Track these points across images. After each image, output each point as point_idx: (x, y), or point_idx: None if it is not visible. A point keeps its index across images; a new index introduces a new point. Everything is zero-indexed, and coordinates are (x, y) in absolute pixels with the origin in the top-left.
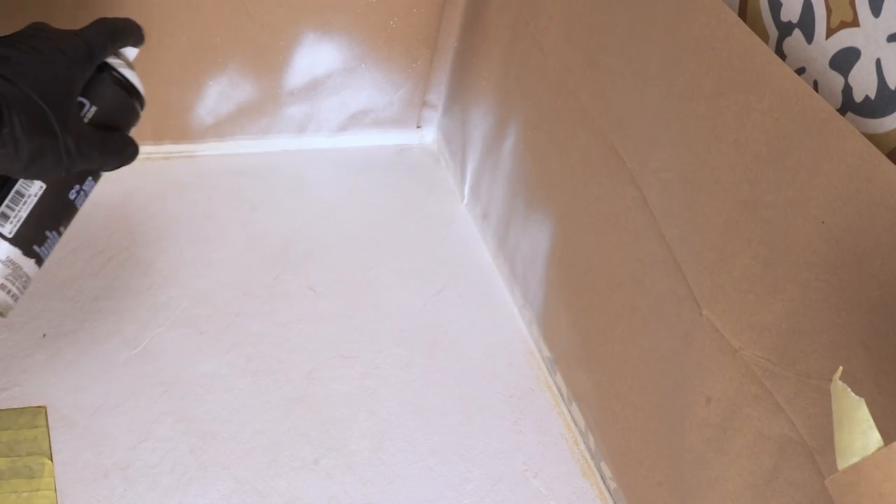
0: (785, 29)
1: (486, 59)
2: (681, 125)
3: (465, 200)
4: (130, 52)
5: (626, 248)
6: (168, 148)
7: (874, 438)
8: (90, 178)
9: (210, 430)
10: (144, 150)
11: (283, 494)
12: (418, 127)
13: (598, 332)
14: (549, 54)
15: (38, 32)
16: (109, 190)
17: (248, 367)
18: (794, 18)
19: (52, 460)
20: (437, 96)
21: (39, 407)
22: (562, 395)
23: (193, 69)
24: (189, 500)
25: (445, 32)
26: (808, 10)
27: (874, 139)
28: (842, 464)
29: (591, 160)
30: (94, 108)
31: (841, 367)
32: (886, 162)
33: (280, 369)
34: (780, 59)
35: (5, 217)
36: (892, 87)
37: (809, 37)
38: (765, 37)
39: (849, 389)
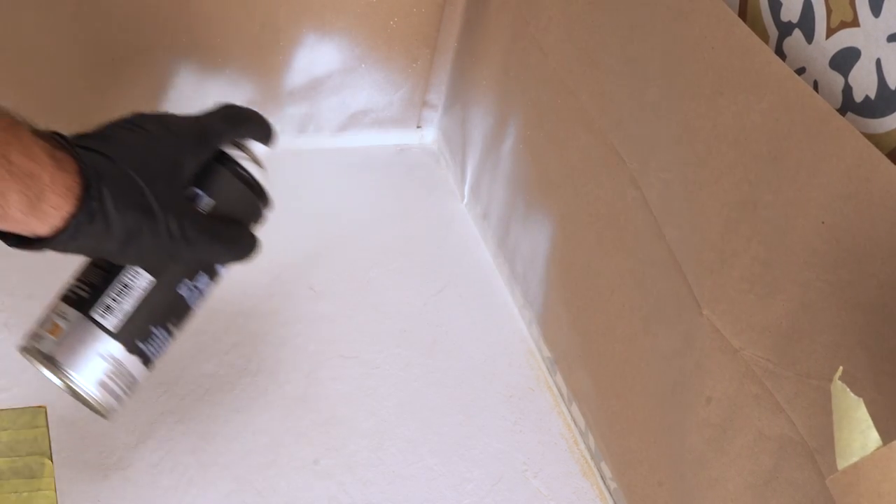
0: (785, 29)
1: (486, 58)
2: (681, 125)
3: (466, 200)
4: (261, 150)
5: (626, 248)
6: None
7: (873, 438)
8: (204, 273)
9: (210, 430)
10: None
11: (283, 494)
12: (418, 127)
13: (598, 332)
14: (548, 54)
15: (148, 114)
16: None
17: (248, 367)
18: (794, 18)
19: (52, 460)
20: (438, 96)
21: (39, 407)
22: (562, 395)
23: (194, 69)
24: (189, 500)
25: (445, 32)
26: (808, 9)
27: (874, 139)
28: (842, 463)
29: (591, 160)
30: (208, 200)
31: (841, 367)
32: (886, 162)
33: (280, 369)
34: (780, 59)
35: (109, 309)
36: (893, 87)
37: (809, 37)
38: (765, 37)
39: (848, 389)
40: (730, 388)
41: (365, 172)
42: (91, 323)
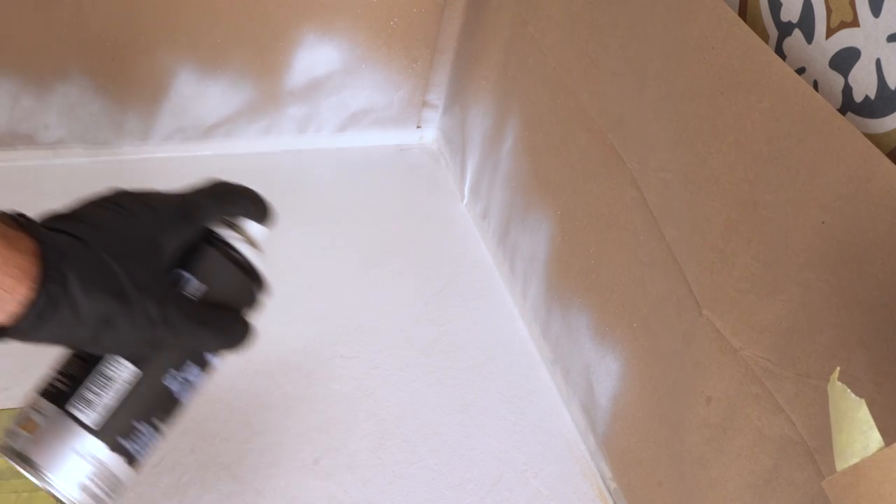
0: (785, 29)
1: (486, 59)
2: (681, 125)
3: (465, 200)
4: (256, 230)
5: (626, 248)
6: (168, 148)
7: (874, 439)
8: (193, 364)
9: (210, 430)
10: (145, 150)
11: (283, 494)
12: (418, 127)
13: (598, 332)
14: (548, 54)
15: (127, 191)
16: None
17: (247, 367)
18: (794, 18)
19: None
20: (437, 96)
21: None
22: (561, 394)
23: (194, 70)
24: (189, 500)
25: (445, 33)
26: (808, 10)
27: (874, 139)
28: (840, 465)
29: (590, 160)
30: (197, 283)
31: (838, 368)
32: (887, 162)
33: (280, 369)
34: (780, 59)
35: (88, 403)
36: (892, 87)
37: (809, 37)
38: (765, 37)
39: (848, 390)
40: (729, 388)
41: (365, 172)
42: (69, 418)
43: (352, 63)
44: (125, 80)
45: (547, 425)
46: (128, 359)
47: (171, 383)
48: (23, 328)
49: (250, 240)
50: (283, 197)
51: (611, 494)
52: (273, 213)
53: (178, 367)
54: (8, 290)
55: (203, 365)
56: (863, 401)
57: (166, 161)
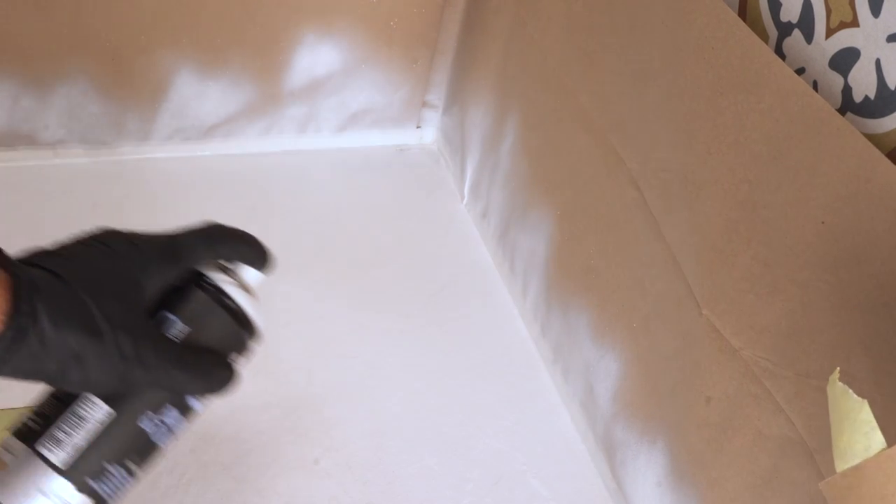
0: (784, 29)
1: (486, 59)
2: (681, 125)
3: (465, 200)
4: (251, 276)
5: (626, 248)
6: (168, 148)
7: (877, 440)
8: (172, 407)
9: (210, 430)
10: (145, 151)
11: (283, 494)
12: (418, 127)
13: (598, 332)
14: (547, 54)
15: (115, 230)
16: (108, 190)
17: (248, 368)
18: (794, 18)
19: None
20: (437, 96)
21: None
22: (561, 394)
23: (194, 70)
24: (189, 500)
25: (445, 33)
26: (807, 10)
27: (874, 139)
28: (841, 466)
29: (590, 160)
30: (181, 326)
31: (839, 368)
32: (886, 162)
33: (280, 369)
34: (779, 59)
35: (58, 442)
36: (892, 88)
37: (809, 37)
38: (764, 37)
39: (850, 391)
40: (729, 388)
41: (365, 172)
42: (37, 457)
43: (352, 63)
44: (125, 80)
45: (547, 425)
46: (103, 399)
47: (147, 426)
48: None
49: (243, 284)
50: (283, 197)
51: (611, 494)
52: (271, 258)
53: (156, 409)
54: None
55: (184, 409)
56: (865, 401)
57: (166, 161)
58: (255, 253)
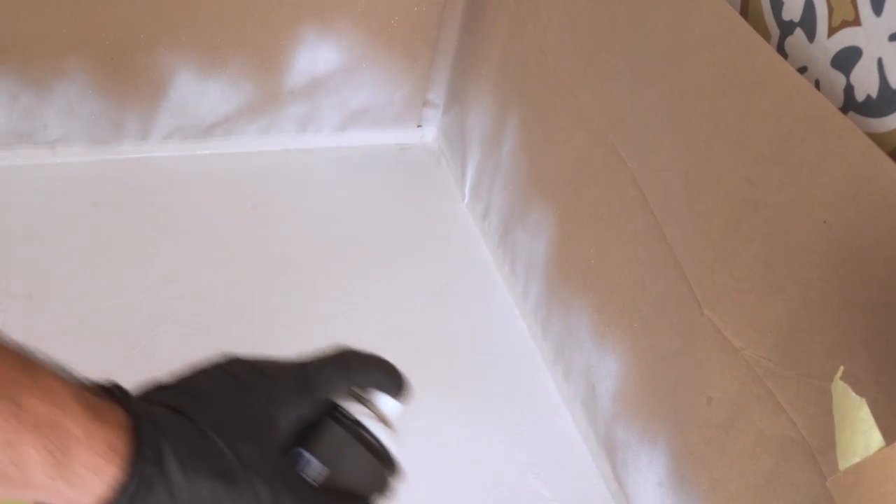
0: (786, 28)
1: (486, 58)
2: (682, 124)
3: (466, 199)
4: (389, 406)
5: (627, 248)
6: (168, 147)
7: (875, 438)
8: None
9: None
10: (145, 149)
11: None
12: (419, 126)
13: (599, 332)
14: (547, 53)
15: (240, 358)
16: (108, 189)
17: None
18: (796, 17)
19: None
20: (438, 95)
21: None
22: (562, 394)
23: (194, 68)
24: None
25: (446, 32)
26: (809, 9)
27: (876, 138)
28: (843, 464)
29: (590, 159)
30: (318, 465)
31: (842, 367)
32: (888, 161)
33: None
34: (781, 59)
35: None
36: (894, 87)
37: (811, 36)
38: (766, 36)
39: (850, 390)
40: (731, 388)
41: (365, 171)
42: None
43: (352, 62)
44: (125, 79)
45: (548, 425)
46: None
47: None
48: None
49: (381, 416)
50: (283, 196)
51: (612, 495)
52: (408, 385)
53: None
54: (94, 471)
55: None
56: (864, 400)
57: (166, 160)
58: (391, 380)
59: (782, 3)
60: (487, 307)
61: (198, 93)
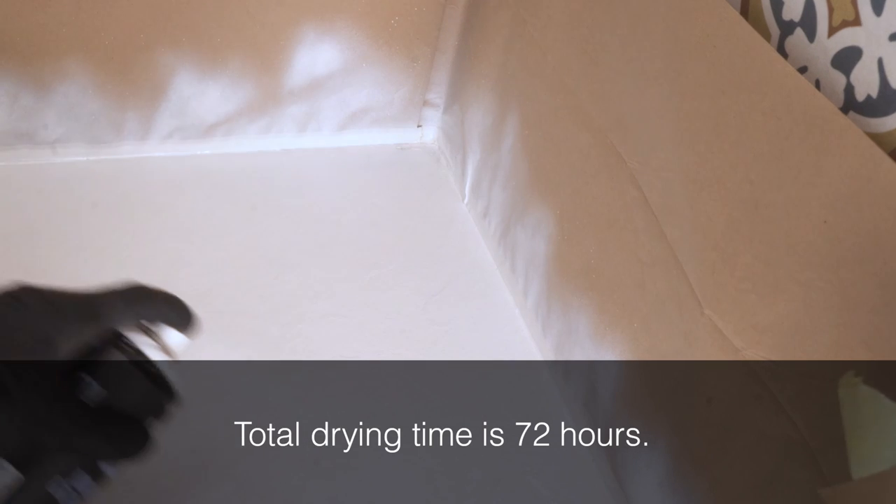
0: (787, 28)
1: (486, 57)
2: (682, 124)
3: (466, 199)
4: (174, 338)
5: (627, 248)
6: (168, 147)
7: None
8: (84, 472)
9: (210, 430)
10: (145, 149)
11: (283, 494)
12: (419, 126)
13: (599, 332)
14: (547, 53)
15: (30, 286)
16: (108, 189)
17: (249, 367)
18: (796, 17)
19: None
20: (438, 95)
21: None
22: (562, 394)
23: (194, 68)
24: (189, 501)
25: (446, 31)
26: (809, 8)
27: (876, 138)
28: (859, 472)
29: (591, 159)
30: (97, 389)
31: (852, 373)
32: (889, 161)
33: (281, 369)
34: (782, 58)
35: None
36: (894, 87)
37: (811, 36)
38: (766, 35)
39: (881, 395)
40: (731, 389)
41: (365, 172)
42: None
43: (352, 62)
44: (124, 79)
45: (548, 425)
46: (11, 462)
47: (57, 491)
48: None
49: (165, 347)
50: (283, 196)
51: (612, 495)
52: (195, 320)
53: (66, 474)
54: None
55: (95, 474)
56: None
57: (166, 160)
58: (178, 315)
59: (782, 3)
60: (487, 306)
61: (198, 93)
